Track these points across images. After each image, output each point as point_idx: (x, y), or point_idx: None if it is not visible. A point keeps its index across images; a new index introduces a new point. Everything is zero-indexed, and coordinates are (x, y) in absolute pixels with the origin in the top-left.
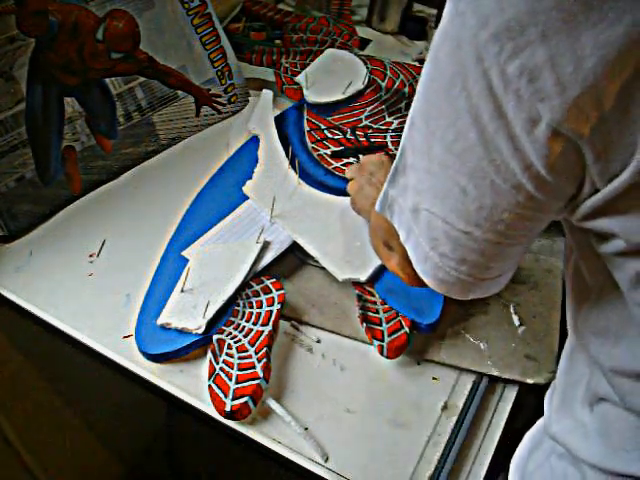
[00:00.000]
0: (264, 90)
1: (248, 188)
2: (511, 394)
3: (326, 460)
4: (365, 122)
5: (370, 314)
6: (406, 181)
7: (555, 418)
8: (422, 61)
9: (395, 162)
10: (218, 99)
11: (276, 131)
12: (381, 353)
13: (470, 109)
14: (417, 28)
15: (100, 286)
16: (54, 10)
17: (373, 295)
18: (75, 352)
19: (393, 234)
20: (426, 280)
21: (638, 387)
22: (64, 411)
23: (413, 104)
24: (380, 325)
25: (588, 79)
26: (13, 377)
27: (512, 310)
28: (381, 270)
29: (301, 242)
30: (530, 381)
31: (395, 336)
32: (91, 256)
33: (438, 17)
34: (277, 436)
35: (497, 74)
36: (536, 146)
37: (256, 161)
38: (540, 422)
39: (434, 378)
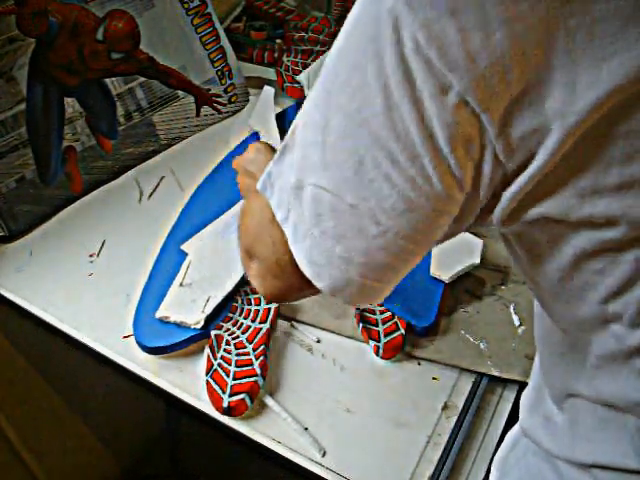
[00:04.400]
0: (265, 87)
1: None
2: (511, 394)
3: (323, 455)
4: None
5: (367, 314)
6: (292, 158)
7: (528, 415)
8: None
9: (284, 140)
10: (218, 99)
11: (277, 129)
12: (377, 353)
13: (379, 76)
14: None
15: (100, 286)
16: (54, 10)
17: None
18: (75, 352)
19: (260, 238)
20: (299, 260)
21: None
22: (64, 411)
23: (316, 81)
24: (376, 326)
25: (496, 52)
26: (13, 377)
27: (512, 310)
28: None
29: None
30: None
31: (391, 337)
32: (91, 256)
33: None
34: (276, 435)
35: (410, 41)
36: (441, 113)
37: None
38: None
39: (434, 378)
